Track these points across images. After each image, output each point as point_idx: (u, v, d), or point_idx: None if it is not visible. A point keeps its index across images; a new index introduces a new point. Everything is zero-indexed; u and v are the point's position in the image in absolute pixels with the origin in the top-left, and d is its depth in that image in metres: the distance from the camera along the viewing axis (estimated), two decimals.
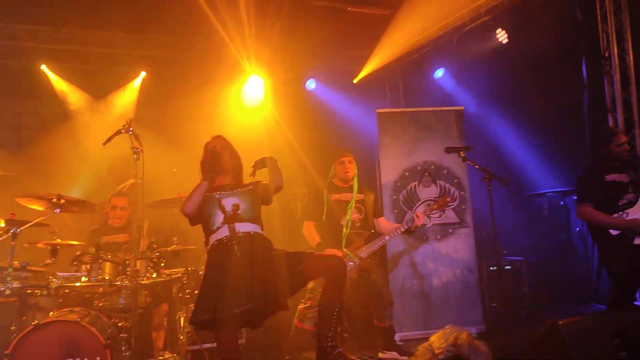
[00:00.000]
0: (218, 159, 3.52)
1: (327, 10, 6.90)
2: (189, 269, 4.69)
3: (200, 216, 3.47)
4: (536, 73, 6.29)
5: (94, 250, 4.53)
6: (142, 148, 3.95)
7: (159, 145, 6.50)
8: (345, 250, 4.47)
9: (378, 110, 6.00)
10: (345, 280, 3.37)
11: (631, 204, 4.24)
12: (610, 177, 4.30)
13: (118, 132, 4.02)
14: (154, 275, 4.22)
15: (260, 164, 3.68)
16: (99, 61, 7.23)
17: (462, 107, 5.97)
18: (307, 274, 3.34)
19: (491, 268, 5.82)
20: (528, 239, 6.75)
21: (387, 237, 4.63)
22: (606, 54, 5.57)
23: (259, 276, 3.20)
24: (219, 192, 3.50)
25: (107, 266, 4.08)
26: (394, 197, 5.66)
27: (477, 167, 4.25)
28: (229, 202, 3.43)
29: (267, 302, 3.22)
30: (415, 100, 8.39)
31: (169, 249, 4.67)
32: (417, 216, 4.47)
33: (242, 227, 3.38)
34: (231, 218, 3.38)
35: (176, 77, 7.46)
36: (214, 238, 3.39)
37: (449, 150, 4.52)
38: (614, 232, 4.21)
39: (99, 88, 7.34)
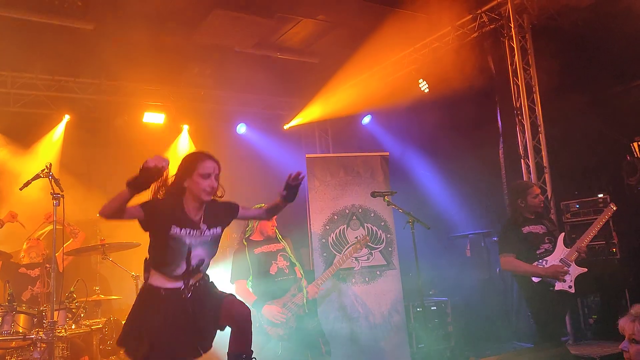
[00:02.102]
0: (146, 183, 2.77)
1: (257, 57, 7.05)
2: (112, 319, 4.51)
3: (159, 250, 2.97)
4: (456, 121, 6.65)
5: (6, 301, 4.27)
6: (62, 193, 3.84)
7: (81, 190, 6.31)
8: (289, 302, 4.44)
9: (307, 155, 6.11)
10: (250, 328, 3.09)
11: (548, 252, 4.56)
12: (526, 229, 4.61)
13: (37, 177, 3.90)
14: (73, 326, 4.02)
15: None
16: (19, 103, 7.00)
17: (387, 153, 6.19)
18: (221, 322, 3.09)
19: (418, 309, 5.95)
20: (452, 279, 6.97)
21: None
22: (517, 105, 6.00)
23: (201, 329, 3.02)
24: (189, 235, 2.95)
25: (21, 318, 3.87)
26: (323, 240, 5.73)
27: (401, 211, 4.41)
28: (196, 255, 2.98)
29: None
30: (344, 145, 8.63)
31: (89, 298, 4.48)
32: (309, 291, 4.55)
33: (195, 279, 3.04)
34: (191, 273, 2.99)
35: (101, 120, 7.34)
36: (166, 283, 2.95)
37: (374, 194, 4.66)
38: (535, 279, 4.48)
39: (19, 131, 7.07)
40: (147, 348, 2.84)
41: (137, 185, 2.67)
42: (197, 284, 3.02)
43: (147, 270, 3.02)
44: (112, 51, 6.15)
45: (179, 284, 2.94)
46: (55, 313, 3.86)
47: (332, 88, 7.74)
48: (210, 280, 3.18)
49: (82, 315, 4.16)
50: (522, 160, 5.94)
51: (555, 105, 5.84)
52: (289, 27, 6.55)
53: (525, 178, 5.90)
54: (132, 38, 6.04)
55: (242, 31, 6.41)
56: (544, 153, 5.90)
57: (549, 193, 5.82)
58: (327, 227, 5.77)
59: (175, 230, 2.89)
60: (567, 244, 4.62)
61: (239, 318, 3.02)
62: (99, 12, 5.68)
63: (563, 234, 4.68)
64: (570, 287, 4.47)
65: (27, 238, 5.11)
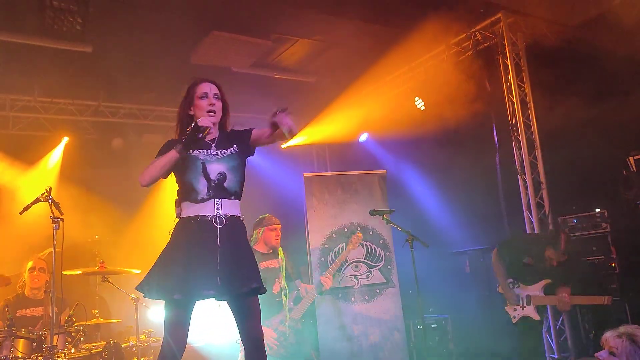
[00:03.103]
0: (198, 132, 2.85)
1: (254, 77, 7.11)
2: (111, 342, 4.48)
3: (178, 177, 2.96)
4: (452, 138, 6.68)
5: (5, 326, 4.24)
6: (62, 216, 3.84)
7: (80, 212, 6.31)
8: (285, 320, 4.44)
9: (305, 174, 6.13)
10: (264, 349, 2.99)
11: (533, 280, 4.88)
12: (526, 261, 4.91)
13: (36, 201, 3.90)
14: (73, 350, 4.00)
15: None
16: (17, 125, 7.04)
17: (385, 171, 6.22)
18: (242, 325, 2.92)
19: (418, 327, 5.93)
20: (452, 296, 6.95)
21: (309, 298, 4.67)
22: (513, 121, 6.05)
23: (233, 269, 2.81)
24: (202, 154, 2.94)
25: (21, 343, 3.84)
26: (322, 259, 5.72)
27: (399, 229, 4.42)
28: (214, 170, 2.91)
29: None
30: (341, 163, 8.66)
31: (89, 322, 4.46)
32: (324, 281, 4.55)
33: (227, 207, 2.90)
34: (216, 189, 2.88)
35: (100, 142, 7.37)
36: (195, 210, 2.86)
37: (372, 213, 4.68)
38: (500, 289, 5.00)
39: (18, 153, 7.09)
40: (169, 280, 2.73)
41: (187, 143, 2.84)
42: (230, 219, 2.89)
43: (178, 205, 2.98)
44: (110, 73, 6.20)
45: (210, 210, 2.86)
46: (55, 337, 3.84)
47: (329, 107, 7.79)
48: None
49: (81, 339, 4.14)
50: (519, 176, 5.97)
51: (551, 121, 5.88)
52: (285, 48, 6.61)
53: (522, 194, 5.93)
54: (130, 60, 6.10)
55: (239, 52, 6.47)
56: (540, 169, 5.93)
57: (546, 209, 5.84)
58: (326, 246, 5.77)
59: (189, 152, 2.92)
60: (545, 291, 4.84)
61: (257, 338, 2.95)
62: (97, 35, 5.73)
63: (549, 281, 4.84)
64: (514, 317, 4.88)
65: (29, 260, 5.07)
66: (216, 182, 2.89)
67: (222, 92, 3.13)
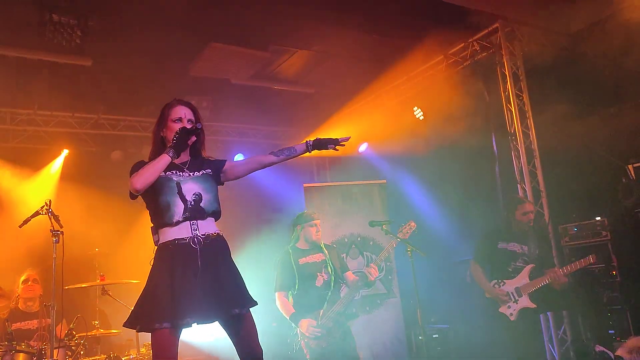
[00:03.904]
0: (185, 136, 2.86)
1: (253, 88, 7.13)
2: (112, 355, 4.46)
3: (151, 200, 2.88)
4: (452, 148, 6.69)
5: (5, 340, 4.22)
6: (62, 229, 3.84)
7: (80, 224, 6.30)
8: (328, 312, 4.35)
9: (305, 185, 6.14)
10: None
11: (517, 272, 4.85)
12: (501, 245, 4.89)
13: (36, 214, 3.90)
14: None
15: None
16: (18, 138, 7.05)
17: (385, 181, 6.23)
18: (236, 336, 2.86)
19: (419, 337, 5.90)
20: (453, 306, 6.93)
21: (353, 294, 4.50)
22: (512, 131, 6.06)
23: (217, 290, 2.76)
24: (175, 175, 2.89)
25: (21, 357, 3.82)
26: None
27: (399, 239, 4.41)
28: (189, 190, 2.85)
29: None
30: (341, 173, 8.65)
31: (89, 334, 4.44)
32: (370, 272, 4.46)
33: (203, 227, 2.85)
34: (193, 211, 2.82)
35: (100, 154, 7.38)
36: (172, 234, 2.81)
37: (372, 224, 4.66)
38: (488, 295, 4.89)
39: (18, 166, 7.10)
40: (155, 309, 2.65)
41: (176, 146, 2.82)
42: (208, 238, 2.83)
43: (154, 233, 2.91)
44: (109, 86, 6.23)
45: (186, 232, 2.79)
46: (55, 351, 3.83)
47: (328, 117, 7.82)
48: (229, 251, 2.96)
49: (81, 352, 4.12)
50: (518, 185, 5.97)
51: (550, 129, 5.90)
52: (284, 59, 6.64)
53: None
54: (129, 73, 6.12)
55: (238, 64, 6.50)
56: (540, 177, 5.94)
57: (546, 217, 5.84)
58: None
59: (161, 174, 2.84)
60: (532, 277, 4.83)
61: (257, 356, 2.86)
62: (97, 48, 5.76)
63: (532, 265, 4.86)
64: (511, 314, 4.79)
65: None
66: (192, 203, 2.83)
67: (197, 117, 3.03)
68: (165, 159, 2.81)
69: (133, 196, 2.89)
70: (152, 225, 2.91)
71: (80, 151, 7.33)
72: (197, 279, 2.71)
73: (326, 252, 4.64)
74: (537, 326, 5.19)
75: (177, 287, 2.69)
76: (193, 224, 2.81)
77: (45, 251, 4.93)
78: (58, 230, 3.81)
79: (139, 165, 2.89)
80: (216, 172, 3.02)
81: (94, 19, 5.35)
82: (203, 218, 2.85)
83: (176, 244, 2.78)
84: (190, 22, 5.50)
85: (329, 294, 4.48)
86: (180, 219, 2.79)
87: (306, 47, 6.42)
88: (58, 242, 3.78)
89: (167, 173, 2.87)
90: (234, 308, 2.74)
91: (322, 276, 4.53)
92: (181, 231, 2.80)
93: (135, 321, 2.71)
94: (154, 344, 2.66)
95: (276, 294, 4.51)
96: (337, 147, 3.20)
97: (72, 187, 7.01)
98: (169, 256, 2.77)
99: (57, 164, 7.24)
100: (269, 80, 7.14)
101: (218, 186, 3.03)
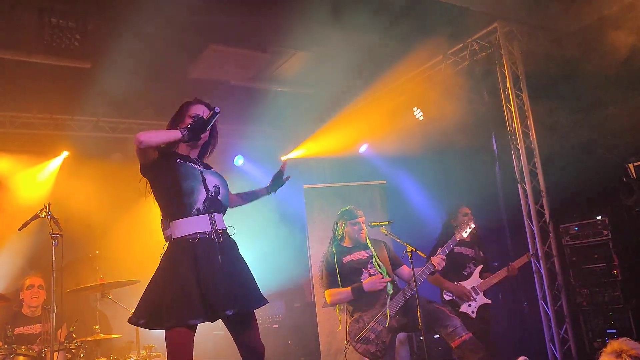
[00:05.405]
0: (202, 124, 2.84)
1: (253, 90, 7.13)
2: (112, 358, 4.45)
3: (173, 185, 2.78)
4: (451, 148, 6.67)
5: (5, 344, 4.22)
6: (61, 232, 3.83)
7: (79, 227, 6.30)
8: (379, 314, 4.28)
9: (305, 186, 6.14)
10: None
11: (469, 274, 5.25)
12: (458, 250, 5.20)
13: (35, 217, 3.90)
14: None
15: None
16: (17, 142, 7.06)
17: (385, 181, 6.22)
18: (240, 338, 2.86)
19: (420, 338, 5.89)
20: None
21: (410, 291, 4.35)
22: (511, 130, 6.05)
23: (237, 286, 2.76)
24: (194, 164, 2.90)
25: None
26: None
27: (398, 240, 4.40)
28: (210, 181, 2.86)
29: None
30: (341, 174, 8.66)
31: (89, 338, 4.43)
32: (437, 262, 4.38)
33: (219, 222, 2.84)
34: (212, 202, 2.81)
35: (99, 157, 7.38)
36: (191, 227, 2.73)
37: (372, 225, 4.66)
38: (447, 296, 5.19)
39: (17, 169, 7.10)
40: (186, 306, 2.59)
41: (193, 131, 2.80)
42: (224, 234, 2.85)
43: (165, 227, 2.81)
44: (109, 89, 6.22)
45: (206, 225, 2.75)
46: (55, 354, 3.82)
47: (328, 118, 7.81)
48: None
49: (81, 355, 4.11)
50: (518, 185, 5.96)
51: (550, 129, 5.89)
52: (283, 60, 6.63)
53: (522, 202, 5.92)
54: (128, 75, 6.11)
55: (237, 65, 6.49)
56: (540, 177, 5.92)
57: (547, 217, 5.83)
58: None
59: (180, 160, 2.86)
60: (482, 276, 5.27)
61: (259, 352, 2.87)
62: (96, 51, 5.75)
63: (481, 266, 5.30)
64: (473, 312, 5.12)
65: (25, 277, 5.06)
66: (213, 194, 2.84)
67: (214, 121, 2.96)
68: (176, 133, 2.80)
69: (143, 169, 2.87)
70: (164, 218, 2.84)
71: (80, 154, 7.32)
72: (220, 274, 2.71)
73: (372, 248, 4.57)
74: (492, 320, 5.38)
75: (204, 283, 2.65)
76: (211, 218, 2.79)
77: (45, 255, 4.95)
78: (57, 234, 3.80)
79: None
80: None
81: (93, 21, 5.35)
82: (219, 211, 2.87)
83: (197, 238, 2.72)
84: (189, 23, 5.50)
85: (378, 292, 4.33)
86: (201, 208, 2.76)
87: (305, 48, 6.41)
88: (57, 244, 3.78)
89: (188, 162, 2.87)
90: (251, 305, 2.78)
91: (369, 272, 4.44)
92: (200, 224, 2.75)
93: (163, 319, 2.59)
94: (173, 342, 2.58)
95: (325, 292, 4.45)
96: (283, 176, 3.32)
97: (72, 190, 7.01)
98: (191, 250, 2.70)
99: (56, 167, 7.24)
100: (269, 81, 7.13)
101: None
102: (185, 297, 2.61)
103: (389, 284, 4.38)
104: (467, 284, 5.19)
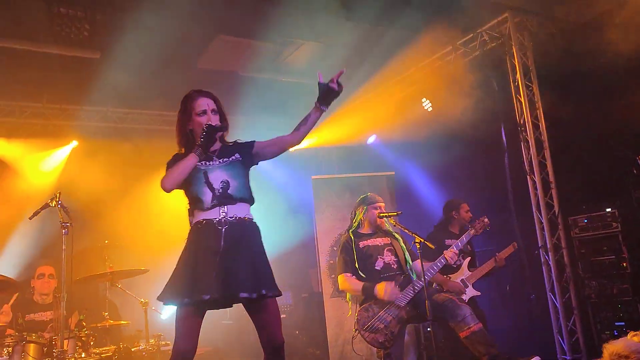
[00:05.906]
0: (212, 134, 2.97)
1: (261, 80, 7.12)
2: (121, 346, 4.50)
3: (184, 189, 3.03)
4: (460, 139, 6.65)
5: (16, 331, 4.27)
6: (71, 222, 3.86)
7: (89, 216, 6.34)
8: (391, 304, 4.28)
9: (313, 177, 6.14)
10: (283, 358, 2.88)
11: (459, 267, 5.31)
12: (449, 242, 5.23)
13: (46, 206, 3.93)
14: (83, 355, 4.02)
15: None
16: (27, 132, 7.10)
17: (393, 172, 6.21)
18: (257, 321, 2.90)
19: (428, 329, 5.89)
20: None
21: (420, 282, 4.26)
22: (521, 121, 6.01)
23: (233, 273, 2.80)
24: (204, 165, 2.99)
25: (31, 348, 3.86)
26: (331, 261, 5.72)
27: (407, 231, 4.40)
28: (217, 178, 2.96)
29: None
30: (349, 165, 8.64)
31: (99, 324, 4.48)
32: (449, 256, 4.43)
33: (233, 211, 2.93)
34: (221, 198, 2.93)
35: (109, 146, 7.42)
36: (203, 216, 2.93)
37: (381, 216, 4.66)
38: (442, 292, 4.94)
39: (27, 158, 7.15)
40: (178, 284, 2.80)
41: (205, 145, 2.93)
42: (237, 221, 2.93)
43: (190, 214, 3.05)
44: (118, 79, 6.23)
45: (215, 215, 2.92)
46: (65, 342, 3.86)
47: (336, 109, 7.79)
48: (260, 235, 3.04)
49: (91, 343, 4.16)
50: (527, 176, 5.93)
51: (559, 120, 5.84)
52: (291, 51, 6.61)
53: (532, 194, 5.89)
54: (137, 65, 6.12)
55: (246, 56, 6.48)
56: (549, 169, 5.89)
57: (556, 209, 5.80)
58: (335, 248, 5.77)
59: None
60: (470, 268, 5.33)
61: (276, 347, 2.86)
62: (105, 41, 5.76)
63: (469, 258, 5.38)
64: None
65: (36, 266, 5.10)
66: (220, 190, 2.93)
67: (219, 105, 3.12)
68: (192, 160, 2.92)
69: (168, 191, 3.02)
70: (189, 207, 3.05)
71: (90, 144, 7.36)
72: (216, 259, 2.80)
73: (395, 235, 4.61)
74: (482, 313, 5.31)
75: (196, 266, 2.80)
76: (222, 209, 2.92)
77: (56, 243, 4.99)
78: (67, 223, 3.83)
79: (173, 160, 3.03)
80: (246, 157, 3.08)
81: (102, 11, 5.36)
82: (233, 203, 2.94)
83: (204, 223, 2.90)
84: (198, 14, 5.49)
85: (393, 278, 4.32)
86: (210, 206, 2.91)
87: (314, 39, 6.38)
88: (67, 233, 3.81)
89: (198, 163, 2.98)
90: (243, 292, 2.75)
91: (383, 259, 4.45)
92: (210, 214, 2.92)
93: (162, 295, 2.83)
94: (176, 319, 2.79)
95: (339, 276, 4.45)
96: (337, 85, 3.29)
97: (82, 180, 7.06)
98: (196, 235, 2.92)
99: (66, 156, 7.29)
100: (277, 72, 7.11)
101: (250, 168, 3.12)
102: (175, 277, 2.84)
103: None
104: (457, 277, 5.23)
